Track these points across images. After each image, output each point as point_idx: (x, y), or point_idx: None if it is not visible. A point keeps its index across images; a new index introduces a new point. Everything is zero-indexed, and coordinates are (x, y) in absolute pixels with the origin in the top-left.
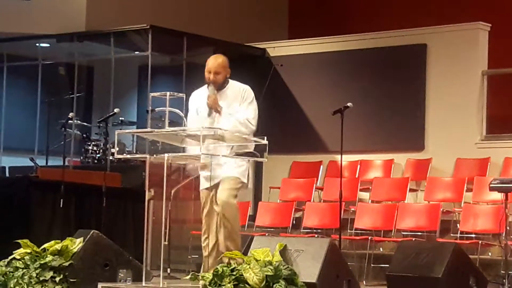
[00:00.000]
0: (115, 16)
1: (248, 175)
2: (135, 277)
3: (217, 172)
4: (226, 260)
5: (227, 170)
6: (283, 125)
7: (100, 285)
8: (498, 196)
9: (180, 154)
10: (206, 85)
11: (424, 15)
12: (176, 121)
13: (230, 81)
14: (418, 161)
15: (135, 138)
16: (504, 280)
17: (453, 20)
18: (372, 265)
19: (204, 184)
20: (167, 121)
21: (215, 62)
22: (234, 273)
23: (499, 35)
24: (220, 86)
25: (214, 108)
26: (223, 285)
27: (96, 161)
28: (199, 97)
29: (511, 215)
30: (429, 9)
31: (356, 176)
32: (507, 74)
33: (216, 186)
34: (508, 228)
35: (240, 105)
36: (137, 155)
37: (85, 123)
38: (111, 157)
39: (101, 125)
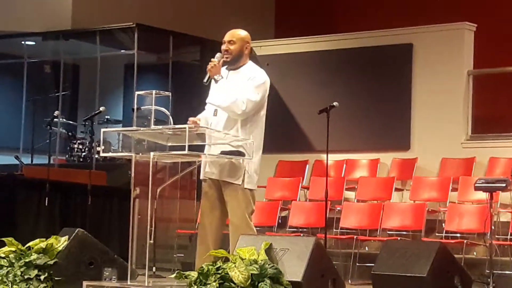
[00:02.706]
0: (101, 15)
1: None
2: (120, 276)
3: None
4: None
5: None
6: (269, 124)
7: (85, 283)
8: (483, 195)
9: (165, 152)
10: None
11: (410, 15)
12: (162, 120)
13: (250, 63)
14: (404, 161)
15: (121, 137)
16: (488, 280)
17: (439, 20)
18: (357, 264)
19: (206, 172)
20: (153, 120)
21: (230, 32)
22: (219, 271)
23: (485, 35)
24: (234, 62)
25: (211, 74)
26: (208, 284)
27: (81, 160)
28: None
29: (496, 215)
30: (415, 9)
31: (342, 176)
32: (493, 74)
33: (217, 186)
34: (493, 227)
35: (244, 84)
36: (123, 154)
37: (70, 122)
38: (96, 156)
39: (86, 123)
